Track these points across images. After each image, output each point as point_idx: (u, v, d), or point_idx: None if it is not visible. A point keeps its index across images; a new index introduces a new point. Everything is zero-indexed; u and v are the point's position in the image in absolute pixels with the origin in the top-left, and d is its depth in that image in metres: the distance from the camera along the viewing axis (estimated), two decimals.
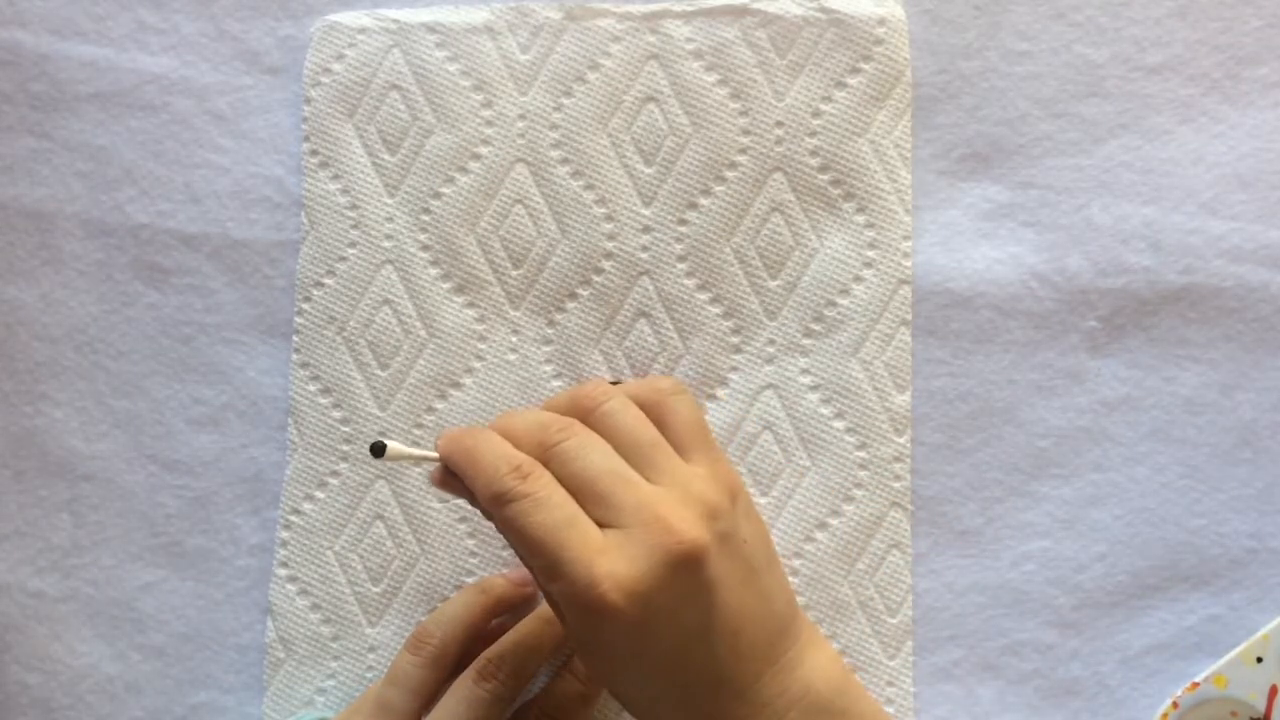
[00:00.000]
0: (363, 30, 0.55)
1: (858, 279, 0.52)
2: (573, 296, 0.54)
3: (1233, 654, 0.50)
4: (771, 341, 0.53)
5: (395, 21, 0.55)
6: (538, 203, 0.54)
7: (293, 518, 0.54)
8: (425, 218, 0.54)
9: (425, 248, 0.54)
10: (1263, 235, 0.51)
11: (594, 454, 0.44)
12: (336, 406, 0.54)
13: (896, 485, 0.52)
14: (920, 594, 0.52)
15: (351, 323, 0.54)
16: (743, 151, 0.53)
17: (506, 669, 0.48)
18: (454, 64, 0.54)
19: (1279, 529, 0.51)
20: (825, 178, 0.53)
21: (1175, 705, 0.50)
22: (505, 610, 0.52)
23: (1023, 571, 0.52)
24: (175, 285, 0.56)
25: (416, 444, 0.53)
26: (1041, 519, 0.52)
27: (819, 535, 0.52)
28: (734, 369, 0.53)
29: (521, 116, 0.54)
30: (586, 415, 0.46)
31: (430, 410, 0.54)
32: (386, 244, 0.54)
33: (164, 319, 0.56)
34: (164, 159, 0.56)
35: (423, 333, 0.54)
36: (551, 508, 0.42)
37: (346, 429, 0.54)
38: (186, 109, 0.56)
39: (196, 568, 0.55)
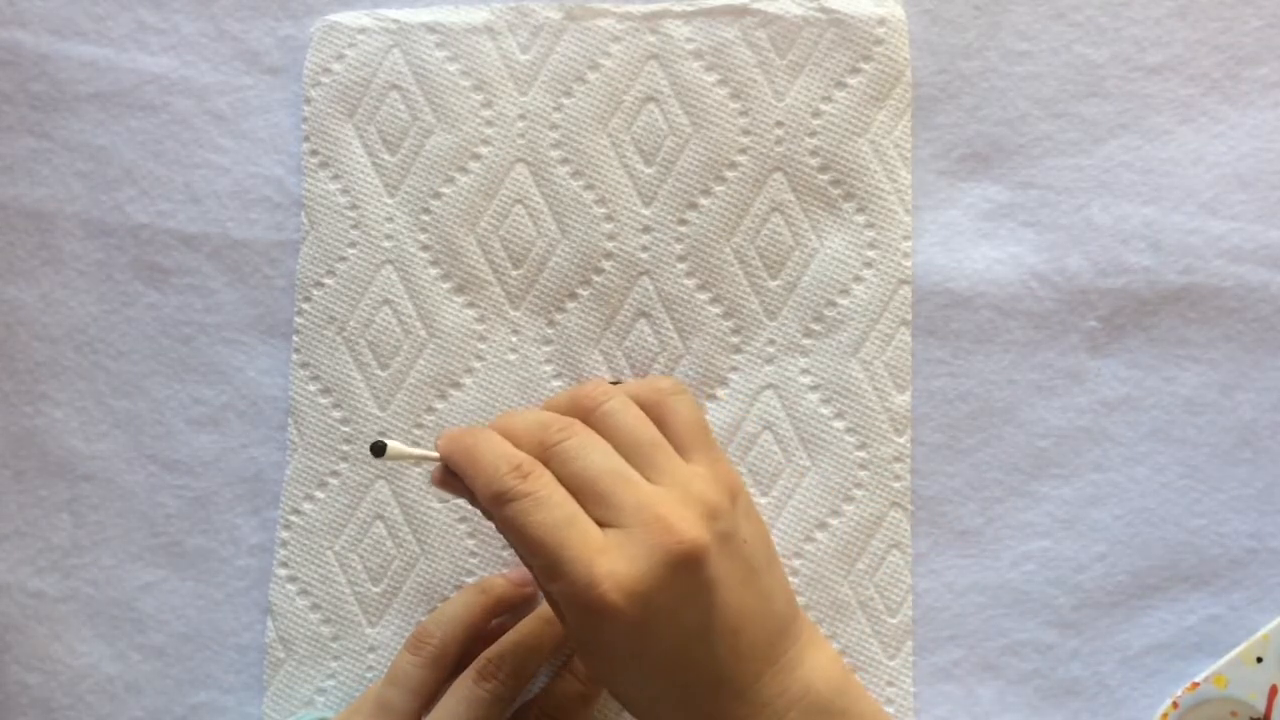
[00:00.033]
0: (363, 30, 0.55)
1: (858, 279, 0.52)
2: (573, 296, 0.54)
3: (1233, 654, 0.50)
4: (771, 341, 0.53)
5: (395, 21, 0.55)
6: (538, 203, 0.54)
7: (293, 518, 0.54)
8: (425, 218, 0.54)
9: (425, 248, 0.54)
10: (1263, 235, 0.51)
11: (594, 454, 0.44)
12: (336, 406, 0.54)
13: (896, 485, 0.52)
14: (920, 594, 0.52)
15: (351, 323, 0.54)
16: (743, 151, 0.53)
17: (506, 669, 0.48)
18: (454, 64, 0.54)
19: (1279, 529, 0.51)
20: (825, 178, 0.53)
21: (1175, 705, 0.50)
22: (505, 610, 0.52)
23: (1023, 571, 0.52)
24: (175, 285, 0.56)
25: (416, 444, 0.53)
26: (1041, 519, 0.52)
27: (819, 535, 0.52)
28: (734, 369, 0.53)
29: (521, 116, 0.54)
30: (587, 415, 0.46)
31: (430, 410, 0.54)
32: (386, 244, 0.54)
33: (164, 319, 0.56)
34: (164, 159, 0.56)
35: (423, 333, 0.54)
36: (551, 507, 0.42)
37: (346, 429, 0.54)
38: (186, 109, 0.56)
39: (196, 568, 0.55)
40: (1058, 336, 0.52)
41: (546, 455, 0.44)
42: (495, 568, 0.53)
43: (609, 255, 0.53)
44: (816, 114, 0.53)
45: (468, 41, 0.54)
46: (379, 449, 0.45)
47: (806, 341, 0.53)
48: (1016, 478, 0.52)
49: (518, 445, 0.45)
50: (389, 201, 0.55)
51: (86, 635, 0.55)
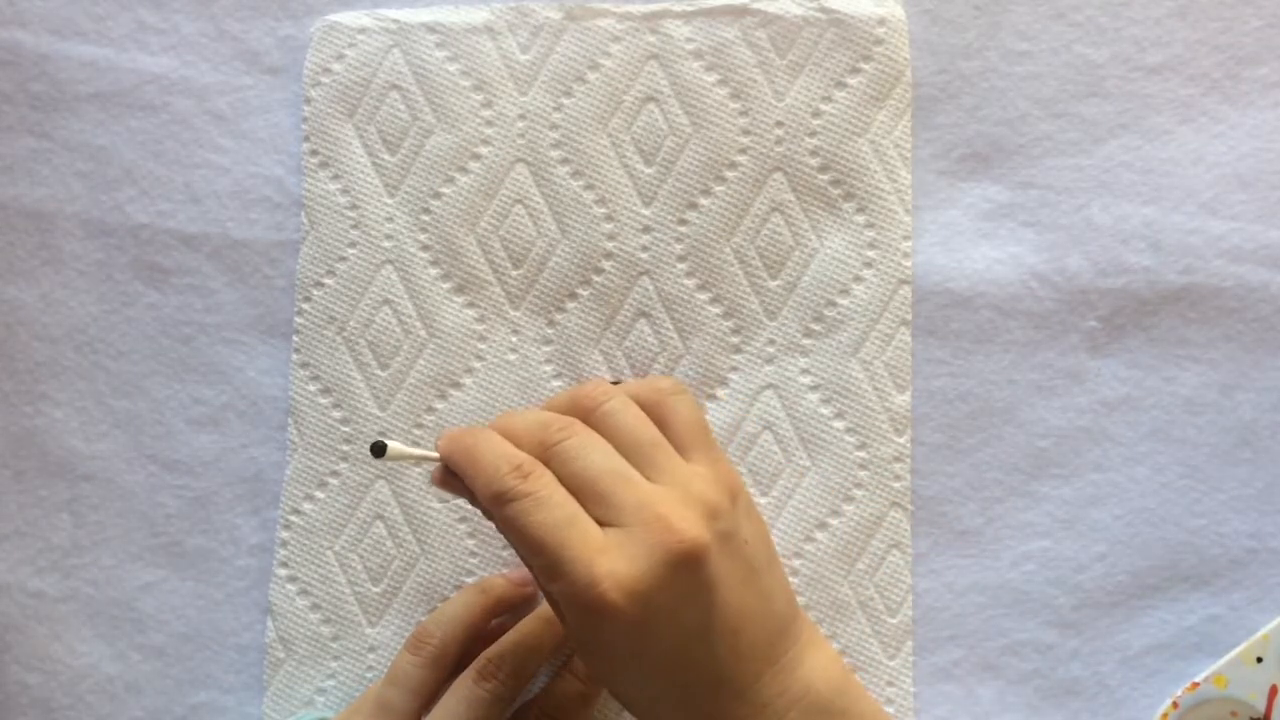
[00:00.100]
0: (363, 30, 0.55)
1: (858, 279, 0.52)
2: (573, 296, 0.54)
3: (1233, 654, 0.50)
4: (771, 341, 0.53)
5: (395, 21, 0.55)
6: (538, 203, 0.54)
7: (293, 518, 0.54)
8: (425, 218, 0.54)
9: (425, 248, 0.54)
10: (1263, 235, 0.51)
11: (594, 453, 0.44)
12: (336, 406, 0.54)
13: (896, 485, 0.52)
14: (920, 594, 0.52)
15: (351, 323, 0.54)
16: (743, 151, 0.53)
17: (506, 669, 0.48)
18: (454, 64, 0.54)
19: (1279, 529, 0.51)
20: (825, 178, 0.53)
21: (1175, 705, 0.50)
22: (505, 610, 0.52)
23: (1023, 571, 0.52)
24: (175, 285, 0.56)
25: (417, 444, 0.53)
26: (1041, 519, 0.52)
27: (819, 535, 0.52)
28: (734, 369, 0.53)
29: (521, 116, 0.54)
30: (587, 415, 0.46)
31: (430, 410, 0.54)
32: (386, 244, 0.54)
33: (164, 319, 0.56)
34: (164, 159, 0.56)
35: (423, 333, 0.54)
36: (552, 507, 0.42)
37: (346, 429, 0.54)
38: (186, 109, 0.56)
39: (196, 568, 0.55)
40: (1058, 336, 0.52)
41: (547, 455, 0.44)
42: (495, 568, 0.53)
43: (609, 255, 0.53)
44: (816, 114, 0.53)
45: (468, 41, 0.54)
46: (379, 449, 0.45)
47: (806, 341, 0.53)
48: (1016, 478, 0.52)
49: (518, 445, 0.45)
50: (389, 201, 0.55)
51: (86, 635, 0.55)
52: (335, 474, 0.54)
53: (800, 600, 0.51)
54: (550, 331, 0.54)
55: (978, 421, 0.52)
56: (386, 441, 0.46)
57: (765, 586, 0.45)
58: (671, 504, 0.42)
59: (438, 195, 0.54)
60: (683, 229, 0.53)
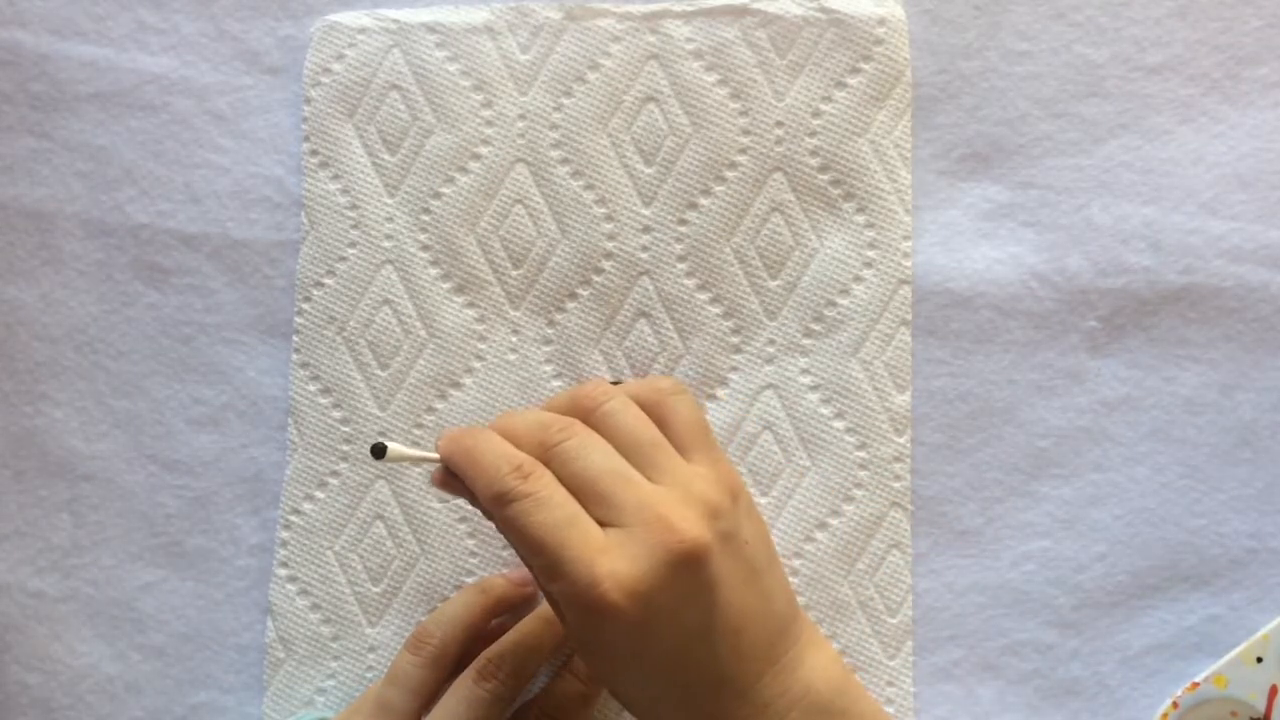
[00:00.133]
0: (363, 30, 0.55)
1: (858, 279, 0.52)
2: (573, 296, 0.54)
3: (1233, 654, 0.50)
4: (771, 341, 0.53)
5: (395, 21, 0.55)
6: (538, 203, 0.54)
7: (293, 518, 0.54)
8: (425, 218, 0.54)
9: (425, 248, 0.54)
10: (1263, 235, 0.51)
11: (595, 454, 0.44)
12: (336, 406, 0.54)
13: (896, 485, 0.52)
14: (920, 594, 0.52)
15: (351, 323, 0.54)
16: (743, 151, 0.53)
17: (506, 669, 0.48)
18: (454, 64, 0.54)
19: (1279, 529, 0.51)
20: (825, 178, 0.53)
21: (1175, 705, 0.50)
22: (505, 610, 0.52)
23: (1023, 571, 0.52)
24: (175, 285, 0.56)
25: (416, 444, 0.53)
26: (1041, 519, 0.52)
27: (819, 535, 0.52)
28: (734, 369, 0.53)
29: (521, 116, 0.54)
30: (587, 415, 0.46)
31: (430, 410, 0.54)
32: (386, 244, 0.54)
33: (164, 319, 0.56)
34: (164, 159, 0.56)
35: (423, 333, 0.54)
36: (552, 507, 0.42)
37: (346, 429, 0.54)
38: (186, 109, 0.56)
39: (196, 568, 0.55)
40: (1058, 336, 0.52)
41: (547, 455, 0.44)
42: (495, 568, 0.53)
43: (609, 255, 0.53)
44: (816, 114, 0.53)
45: (468, 41, 0.54)
46: (379, 450, 0.45)
47: (806, 341, 0.53)
48: (1016, 478, 0.52)
49: (518, 446, 0.45)
50: (389, 201, 0.55)
51: (86, 635, 0.55)
52: (335, 474, 0.54)
53: (800, 600, 0.51)
54: (550, 331, 0.54)
55: (978, 421, 0.52)
56: (387, 443, 0.46)
57: (766, 586, 0.45)
58: (672, 504, 0.42)
59: (438, 195, 0.54)
60: (683, 229, 0.53)
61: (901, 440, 0.52)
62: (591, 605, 0.41)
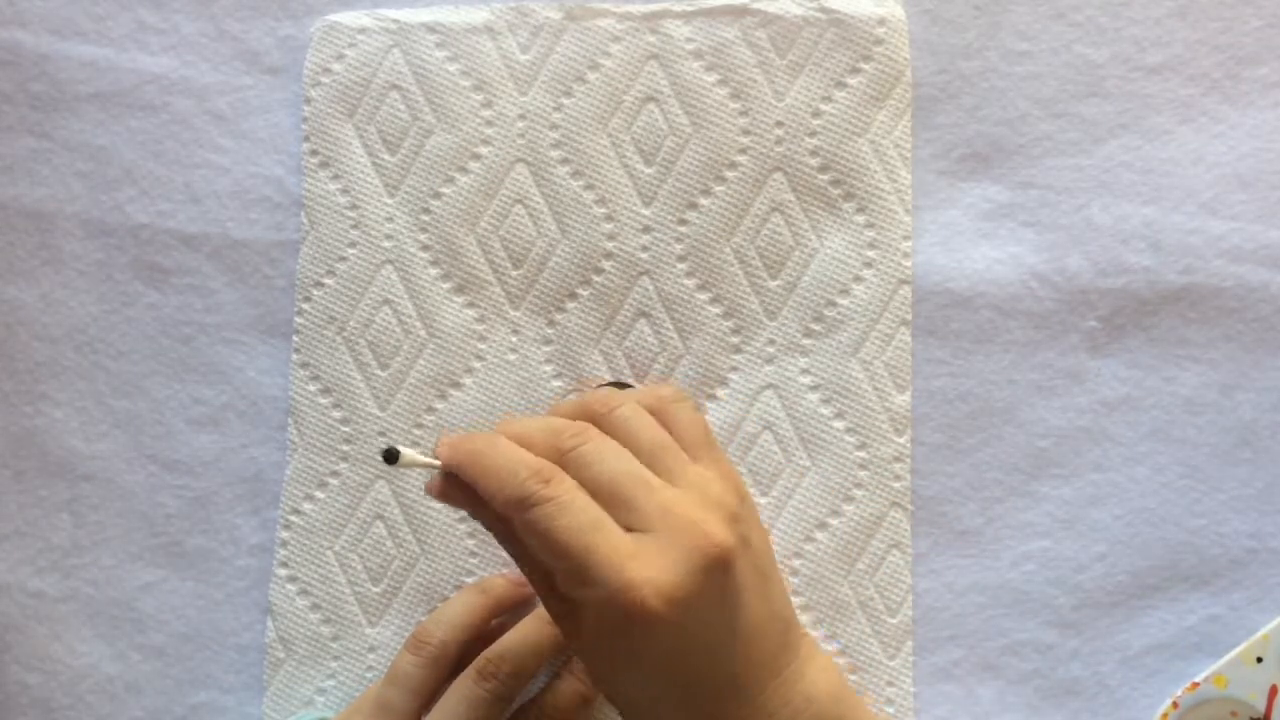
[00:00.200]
0: (363, 30, 0.55)
1: (858, 279, 0.52)
2: (573, 296, 0.54)
3: (1233, 654, 0.50)
4: (771, 341, 0.53)
5: (395, 21, 0.55)
6: (538, 203, 0.54)
7: (293, 518, 0.54)
8: (425, 218, 0.54)
9: (425, 248, 0.54)
10: (1263, 235, 0.51)
11: (612, 458, 0.43)
12: (336, 406, 0.54)
13: (896, 485, 0.52)
14: (920, 594, 0.52)
15: (351, 323, 0.54)
16: (743, 151, 0.53)
17: (506, 669, 0.48)
18: (454, 64, 0.54)
19: (1279, 529, 0.51)
20: (825, 178, 0.53)
21: (1175, 705, 0.50)
22: (505, 610, 0.52)
23: (1023, 571, 0.52)
24: (175, 285, 0.56)
25: (416, 444, 0.53)
26: (1041, 519, 0.52)
27: (819, 535, 0.52)
28: (734, 369, 0.53)
29: (521, 116, 0.54)
30: (598, 420, 0.45)
31: (430, 410, 0.54)
32: (386, 244, 0.54)
33: (164, 319, 0.56)
34: (164, 159, 0.56)
35: (423, 333, 0.54)
36: (576, 511, 0.41)
37: (346, 429, 0.54)
38: (186, 109, 0.56)
39: (196, 568, 0.55)
40: (1058, 336, 0.52)
41: (563, 460, 0.43)
42: (495, 568, 0.53)
43: (609, 255, 0.53)
44: (816, 114, 0.53)
45: (468, 41, 0.54)
46: (392, 456, 0.44)
47: (806, 341, 0.53)
48: (1016, 478, 0.52)
49: (531, 451, 0.43)
50: (389, 201, 0.55)
51: (86, 635, 0.55)
52: (335, 474, 0.54)
53: (800, 600, 0.51)
54: (550, 331, 0.54)
55: (978, 421, 0.52)
56: (399, 448, 0.44)
57: (772, 591, 0.45)
58: (695, 508, 0.42)
59: (438, 195, 0.54)
60: (683, 229, 0.53)
61: (901, 440, 0.52)
62: (628, 610, 0.40)
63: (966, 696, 0.51)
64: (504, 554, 0.53)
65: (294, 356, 0.55)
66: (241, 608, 0.54)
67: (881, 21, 0.53)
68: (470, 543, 0.53)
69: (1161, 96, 0.52)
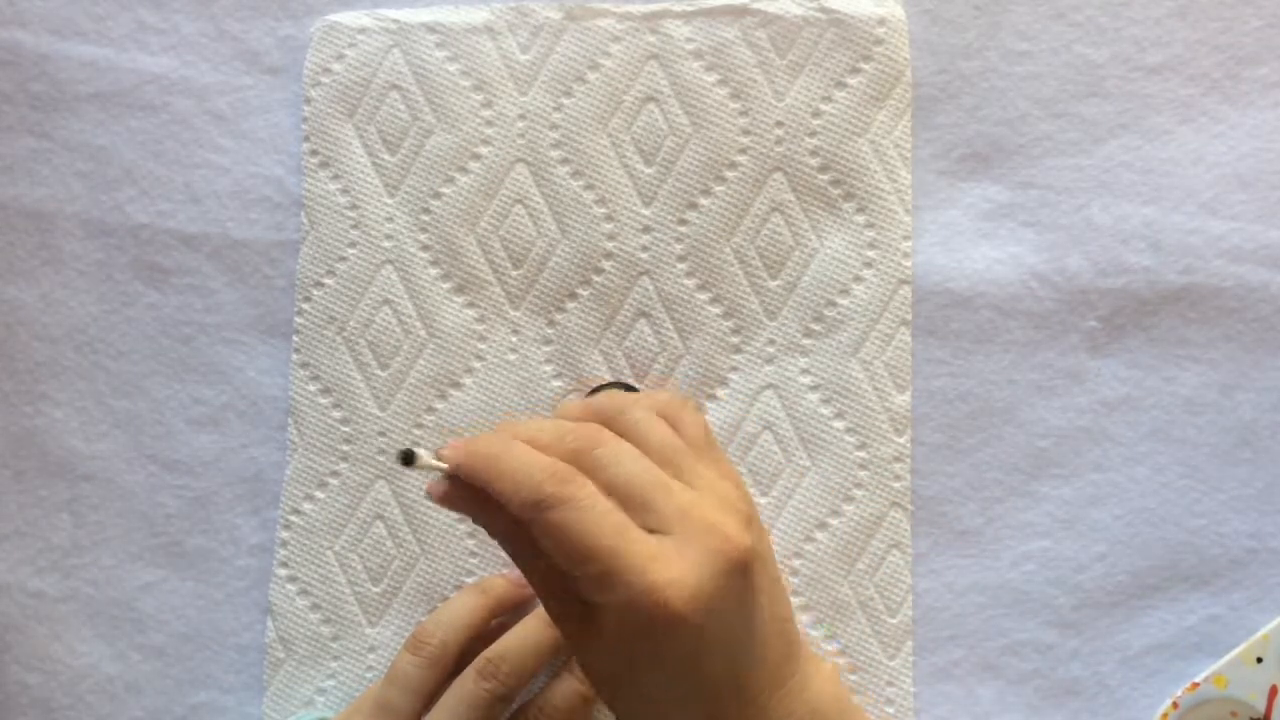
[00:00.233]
0: (363, 30, 0.55)
1: (858, 279, 0.52)
2: (573, 296, 0.54)
3: (1233, 654, 0.50)
4: (771, 341, 0.53)
5: (395, 21, 0.55)
6: (538, 203, 0.54)
7: (293, 518, 0.54)
8: (425, 218, 0.54)
9: (425, 248, 0.54)
10: (1263, 235, 0.51)
11: (629, 460, 0.42)
12: (336, 406, 0.54)
13: (896, 485, 0.52)
14: (920, 594, 0.52)
15: (351, 323, 0.54)
16: (743, 151, 0.53)
17: (506, 669, 0.48)
18: (454, 64, 0.54)
19: (1279, 529, 0.51)
20: (825, 178, 0.53)
21: (1175, 705, 0.50)
22: (505, 610, 0.52)
23: (1023, 571, 0.52)
24: (175, 285, 0.56)
25: (417, 445, 0.53)
26: (1041, 519, 0.52)
27: (819, 535, 0.52)
28: (734, 369, 0.53)
29: (521, 116, 0.54)
30: (610, 422, 0.44)
31: (430, 410, 0.54)
32: (386, 244, 0.54)
33: (164, 319, 0.56)
34: (164, 159, 0.56)
35: (423, 333, 0.54)
36: (598, 513, 0.40)
37: (346, 429, 0.54)
38: (186, 109, 0.56)
39: (196, 568, 0.55)
40: (1058, 336, 0.52)
41: (578, 462, 0.42)
42: (495, 568, 0.53)
43: (609, 255, 0.53)
44: (816, 114, 0.53)
45: (468, 41, 0.54)
46: (409, 458, 0.42)
47: (806, 341, 0.53)
48: (1016, 478, 0.52)
49: (545, 453, 0.42)
50: (389, 201, 0.55)
51: (86, 635, 0.55)
52: (335, 474, 0.54)
53: (800, 600, 0.51)
54: (550, 331, 0.54)
55: (978, 421, 0.52)
56: (417, 451, 0.42)
57: (779, 595, 0.44)
58: (713, 510, 0.41)
59: (438, 195, 0.54)
60: (683, 229, 0.53)
61: (901, 440, 0.52)
62: (653, 611, 0.39)
63: (966, 696, 0.51)
64: (504, 554, 0.53)
65: (294, 356, 0.55)
66: (241, 608, 0.54)
67: (881, 21, 0.53)
68: (470, 543, 0.53)
69: (1161, 96, 0.52)
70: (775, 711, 0.43)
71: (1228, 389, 0.51)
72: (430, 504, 0.53)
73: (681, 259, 0.53)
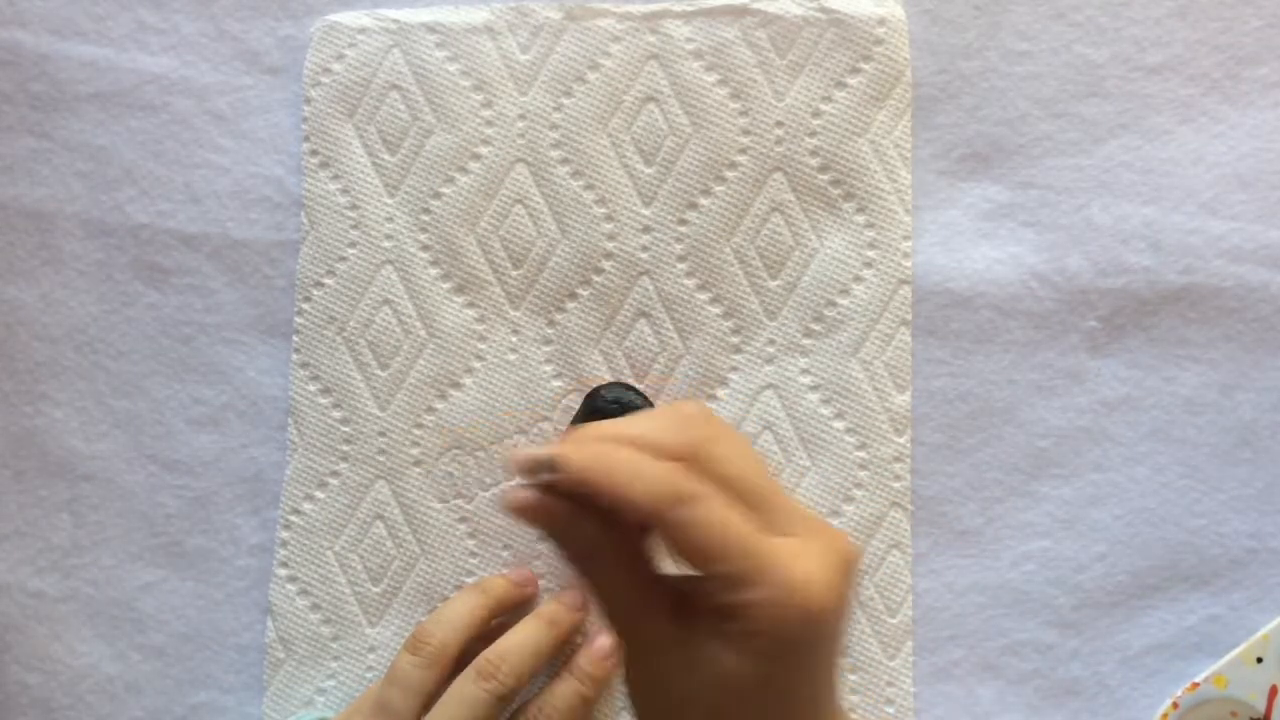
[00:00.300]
0: (363, 30, 0.55)
1: (858, 279, 0.52)
2: (573, 296, 0.54)
3: (1233, 654, 0.50)
4: (771, 341, 0.53)
5: (395, 21, 0.55)
6: (538, 203, 0.54)
7: (293, 518, 0.54)
8: (425, 218, 0.54)
9: (425, 248, 0.54)
10: (1263, 235, 0.51)
11: (741, 459, 0.39)
12: (336, 406, 0.54)
13: (896, 485, 0.52)
14: (920, 594, 0.52)
15: (351, 323, 0.54)
16: (743, 151, 0.53)
17: (506, 669, 0.48)
18: (454, 64, 0.54)
19: (1279, 529, 0.51)
20: (825, 178, 0.53)
21: (1175, 705, 0.50)
22: (505, 610, 0.52)
23: (1023, 571, 0.52)
24: (175, 285, 0.56)
25: (417, 444, 0.53)
26: (1041, 519, 0.52)
27: None
28: (734, 369, 0.53)
29: (521, 116, 0.54)
30: (704, 427, 0.40)
31: (430, 410, 0.54)
32: (386, 244, 0.54)
33: (164, 319, 0.56)
34: (164, 159, 0.56)
35: (423, 333, 0.54)
36: (732, 511, 0.37)
37: (346, 429, 0.54)
38: (186, 109, 0.56)
39: (196, 568, 0.55)
40: (1058, 336, 0.52)
41: (694, 459, 0.38)
42: (495, 568, 0.53)
43: (609, 255, 0.53)
44: (816, 114, 0.53)
45: (468, 41, 0.54)
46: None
47: (806, 341, 0.53)
48: (1016, 478, 0.52)
49: (660, 451, 0.38)
50: (389, 201, 0.55)
51: (86, 635, 0.55)
52: (335, 474, 0.54)
53: None
54: (550, 331, 0.54)
55: (978, 421, 0.52)
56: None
57: None
58: (815, 514, 0.40)
59: (438, 195, 0.54)
60: (683, 229, 0.53)
61: (901, 440, 0.52)
62: (800, 609, 0.37)
63: (966, 696, 0.51)
64: (504, 554, 0.53)
65: (294, 356, 0.55)
66: (241, 608, 0.54)
67: (881, 21, 0.53)
68: (470, 543, 0.53)
69: (1161, 96, 0.52)
70: None
71: (1228, 389, 0.51)
72: (430, 503, 0.53)
73: (681, 259, 0.53)
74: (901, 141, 0.53)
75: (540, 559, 0.53)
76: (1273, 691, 0.49)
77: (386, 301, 0.54)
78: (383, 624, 0.53)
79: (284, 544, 0.54)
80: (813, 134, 0.53)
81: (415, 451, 0.53)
